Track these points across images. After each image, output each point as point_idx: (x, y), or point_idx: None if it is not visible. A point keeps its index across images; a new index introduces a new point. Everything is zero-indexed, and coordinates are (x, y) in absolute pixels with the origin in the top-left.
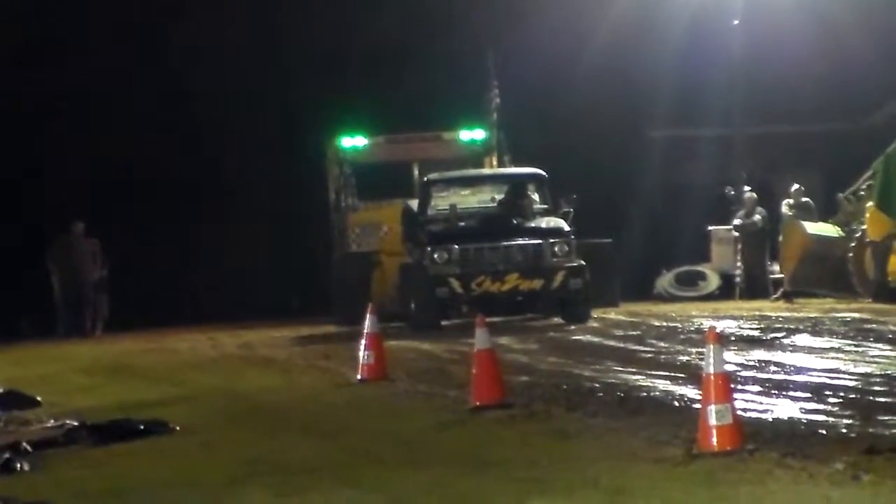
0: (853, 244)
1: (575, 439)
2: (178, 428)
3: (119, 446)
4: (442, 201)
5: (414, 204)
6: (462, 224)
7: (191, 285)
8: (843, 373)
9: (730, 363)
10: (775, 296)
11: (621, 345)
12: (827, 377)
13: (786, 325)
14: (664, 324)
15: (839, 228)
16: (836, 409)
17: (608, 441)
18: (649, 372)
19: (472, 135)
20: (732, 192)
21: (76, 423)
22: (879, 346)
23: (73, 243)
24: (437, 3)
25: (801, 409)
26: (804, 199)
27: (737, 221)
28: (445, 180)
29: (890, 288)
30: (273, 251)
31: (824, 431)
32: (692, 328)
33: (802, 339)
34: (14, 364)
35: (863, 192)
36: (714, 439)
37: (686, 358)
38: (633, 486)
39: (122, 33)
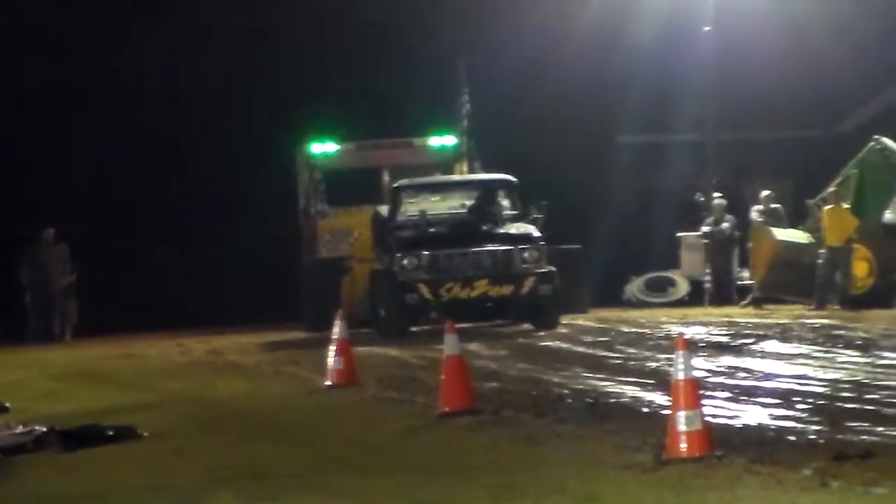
0: (822, 250)
1: (544, 445)
2: (147, 434)
3: (88, 452)
4: (412, 207)
5: (384, 210)
6: (432, 230)
7: (161, 291)
8: (812, 379)
9: (699, 369)
10: (745, 302)
11: (590, 351)
12: (796, 383)
13: (755, 332)
14: (633, 330)
15: (809, 235)
16: (804, 415)
17: (577, 447)
18: (618, 378)
19: (443, 141)
20: (702, 199)
21: (45, 429)
22: (848, 352)
23: (43, 250)
24: (409, 10)
25: (769, 415)
26: (774, 206)
27: (706, 228)
28: (415, 186)
29: (855, 294)
30: (242, 256)
31: (793, 437)
32: (661, 334)
33: (771, 346)
34: None
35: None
36: (683, 445)
37: (655, 364)
38: (602, 491)
39: (94, 30)
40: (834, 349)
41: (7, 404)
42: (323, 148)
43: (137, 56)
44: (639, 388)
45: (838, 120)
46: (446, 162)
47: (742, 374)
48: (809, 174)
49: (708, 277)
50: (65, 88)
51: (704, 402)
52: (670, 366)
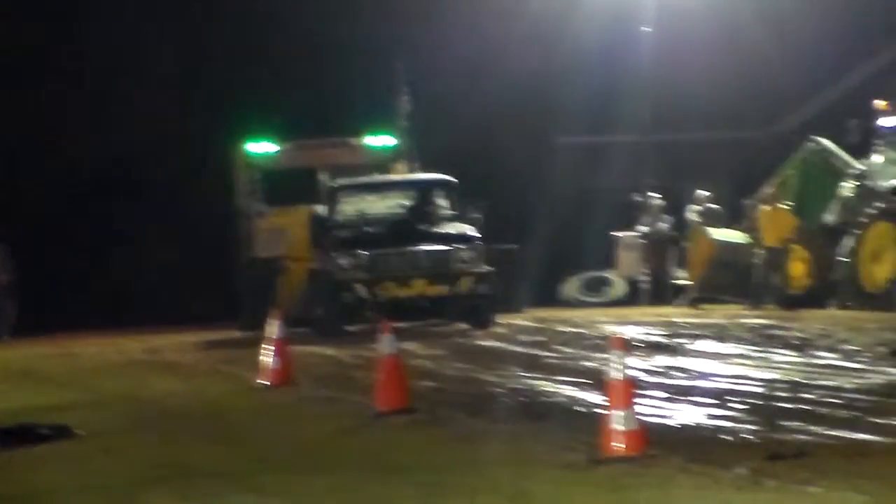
0: (759, 250)
1: (479, 444)
2: (83, 433)
3: (23, 451)
4: (349, 207)
5: (321, 210)
6: (369, 230)
7: (98, 290)
8: (748, 378)
9: (634, 369)
10: (681, 302)
11: (527, 350)
12: (731, 383)
13: (691, 331)
14: (570, 329)
15: (746, 235)
16: (740, 414)
17: (512, 446)
18: (554, 378)
19: (381, 140)
20: (639, 199)
21: None
22: (784, 351)
23: None
24: (348, 9)
25: (705, 414)
26: (711, 206)
27: (643, 228)
28: (353, 186)
29: (792, 294)
30: (180, 256)
31: (728, 437)
32: (598, 334)
33: (708, 345)
34: None
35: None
36: (618, 445)
37: (591, 364)
38: (537, 490)
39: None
40: (770, 349)
41: None
42: (260, 147)
43: (81, 51)
44: (574, 388)
45: (775, 120)
46: (384, 162)
47: (678, 374)
48: (746, 175)
49: (645, 277)
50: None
51: (640, 401)
52: (606, 365)
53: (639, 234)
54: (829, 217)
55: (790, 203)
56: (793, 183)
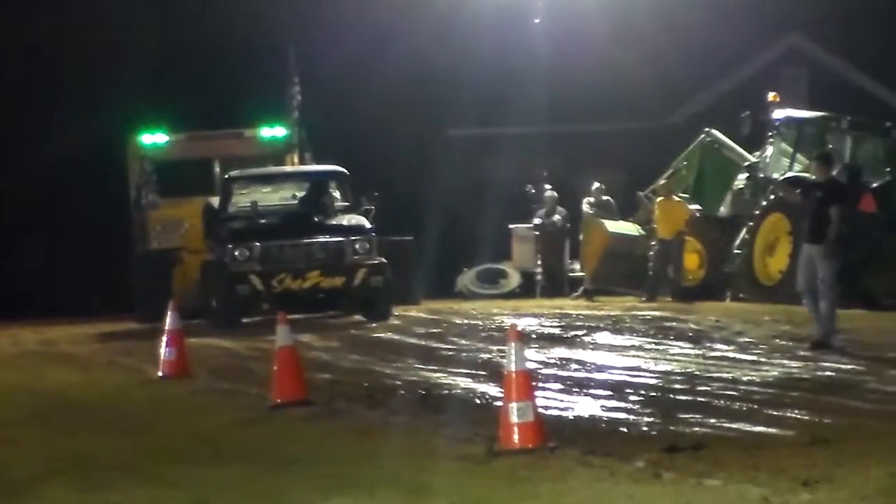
0: (653, 242)
1: (377, 437)
2: None
3: None
4: (243, 198)
5: (215, 201)
6: (263, 221)
7: None
8: (644, 371)
9: (531, 361)
10: (576, 294)
11: (423, 342)
12: (628, 375)
13: (587, 323)
14: (465, 321)
15: (639, 227)
16: (637, 406)
17: (410, 438)
18: (451, 370)
19: (273, 132)
20: (533, 191)
21: None
22: (679, 343)
23: None
24: None
25: (602, 406)
26: (605, 198)
27: (537, 220)
28: (246, 178)
29: (686, 286)
30: (75, 247)
31: (625, 429)
32: (493, 326)
33: (603, 337)
34: None
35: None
36: (515, 437)
37: (487, 356)
38: (435, 483)
39: None
40: (665, 341)
41: None
42: (153, 139)
43: None
44: (471, 380)
45: (669, 112)
46: (277, 153)
47: (574, 366)
48: (640, 166)
49: (539, 269)
50: None
51: (537, 393)
52: (502, 357)
53: (533, 226)
54: (723, 209)
55: (684, 195)
56: (686, 175)
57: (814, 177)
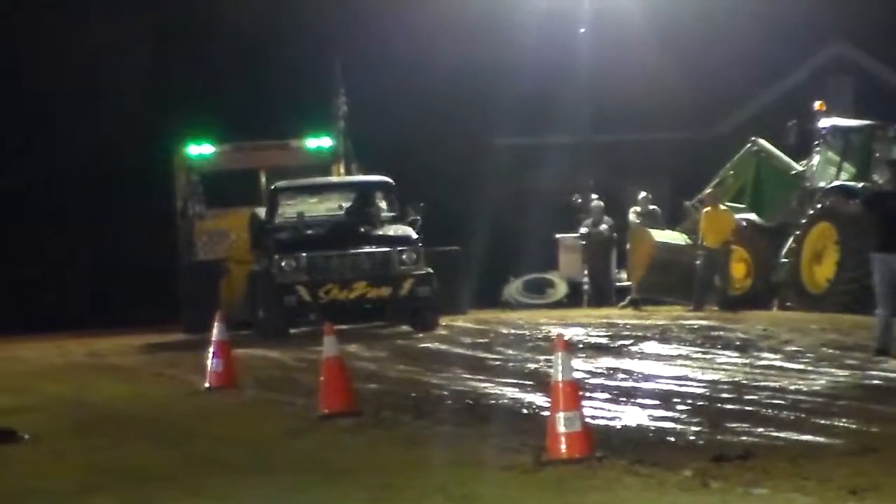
0: (700, 251)
1: (424, 447)
2: (27, 437)
3: None
4: (289, 209)
5: (261, 212)
6: (310, 232)
7: (38, 293)
8: (691, 380)
9: (578, 371)
10: (623, 303)
11: (469, 352)
12: (675, 384)
13: (634, 333)
14: (512, 331)
15: (686, 236)
16: (684, 416)
17: (457, 448)
18: (498, 380)
19: (320, 142)
20: (580, 201)
21: None
22: (727, 353)
23: None
24: (286, 10)
25: (649, 416)
26: (651, 207)
27: (584, 229)
28: (293, 188)
29: (733, 295)
30: (122, 258)
31: (673, 438)
32: (540, 336)
33: (650, 347)
34: None
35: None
36: (563, 447)
37: (534, 365)
38: (482, 493)
39: None
40: (713, 350)
41: None
42: (200, 149)
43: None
44: (518, 390)
45: (715, 122)
46: (324, 163)
47: (621, 376)
48: (686, 176)
49: (586, 279)
50: None
51: (584, 403)
52: (549, 367)
53: (580, 235)
54: (770, 218)
55: (730, 204)
56: (733, 184)
57: (888, 187)
